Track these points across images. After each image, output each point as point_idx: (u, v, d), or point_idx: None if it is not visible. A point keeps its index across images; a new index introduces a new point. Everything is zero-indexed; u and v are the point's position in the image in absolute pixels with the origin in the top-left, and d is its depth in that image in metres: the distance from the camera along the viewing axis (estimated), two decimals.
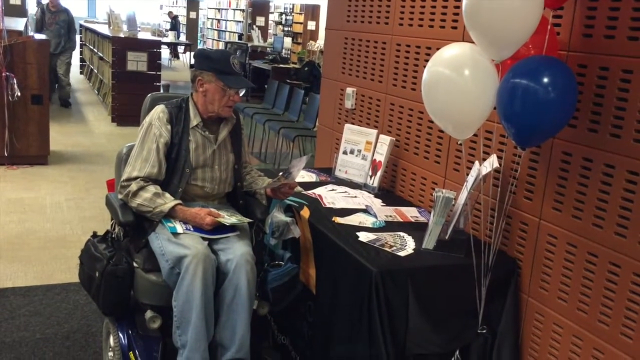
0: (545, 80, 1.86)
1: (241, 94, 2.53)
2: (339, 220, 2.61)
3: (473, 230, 2.48)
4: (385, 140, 3.10)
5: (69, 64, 9.31)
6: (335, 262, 2.42)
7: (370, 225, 2.59)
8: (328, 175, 3.38)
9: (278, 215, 2.48)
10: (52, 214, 4.82)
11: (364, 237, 2.43)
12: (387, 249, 2.33)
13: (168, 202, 2.40)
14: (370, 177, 3.15)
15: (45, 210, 4.87)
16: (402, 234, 2.51)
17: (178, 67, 18.01)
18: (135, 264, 2.43)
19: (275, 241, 2.61)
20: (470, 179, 2.34)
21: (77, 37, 9.27)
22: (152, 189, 2.42)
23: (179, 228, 2.39)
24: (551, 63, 1.92)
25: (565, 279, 2.18)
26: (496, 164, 2.24)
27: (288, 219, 2.47)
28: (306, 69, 10.42)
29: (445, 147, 2.78)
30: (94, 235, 2.61)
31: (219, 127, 2.58)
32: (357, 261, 2.23)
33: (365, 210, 2.79)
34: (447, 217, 2.35)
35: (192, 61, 3.24)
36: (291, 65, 11.71)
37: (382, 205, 2.90)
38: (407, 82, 3.06)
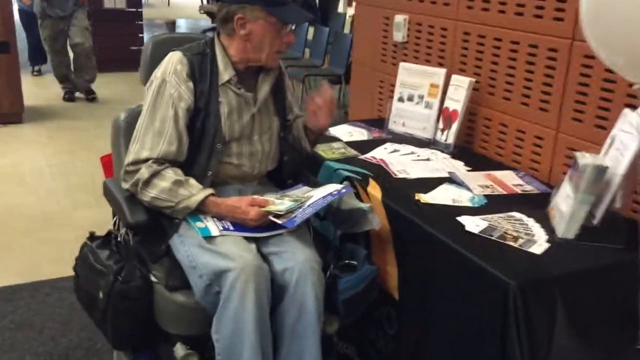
0: None
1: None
2: (424, 198, 1.92)
3: (633, 213, 1.80)
4: (462, 82, 2.37)
5: (87, 30, 5.94)
6: (432, 261, 1.75)
7: (469, 204, 1.90)
8: (380, 129, 2.66)
9: (349, 201, 1.78)
10: (34, 184, 4.07)
11: (470, 224, 1.74)
12: (511, 243, 1.65)
13: (195, 193, 1.69)
14: (442, 131, 2.44)
15: (25, 180, 4.13)
16: (518, 215, 1.83)
17: (155, 4, 16.82)
18: (153, 279, 1.74)
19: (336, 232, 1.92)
20: (627, 138, 1.64)
21: None
22: (171, 174, 1.70)
23: (213, 229, 1.68)
24: None
25: None
26: None
27: (364, 206, 1.77)
28: None
29: (558, 88, 2.06)
30: (92, 237, 1.90)
31: (256, 80, 1.85)
32: (479, 267, 1.55)
33: (450, 180, 2.09)
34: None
35: None
36: None
37: (468, 170, 2.21)
38: (491, 2, 2.30)
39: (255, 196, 1.76)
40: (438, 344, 1.75)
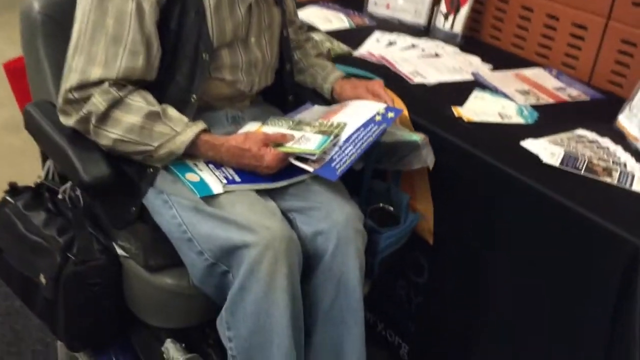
0: None
1: None
2: (464, 114, 1.48)
3: None
4: None
5: None
6: (489, 200, 1.35)
7: (521, 120, 1.49)
8: (359, 11, 2.13)
9: (393, 130, 1.29)
10: None
11: (544, 153, 1.33)
12: (605, 179, 1.27)
13: (180, 130, 1.13)
14: (445, 16, 1.95)
15: None
16: (588, 134, 1.44)
17: None
18: (120, 251, 1.21)
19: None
20: None
21: None
22: (141, 103, 1.13)
23: (214, 183, 1.15)
24: None
25: None
26: None
27: (417, 138, 1.29)
28: None
29: None
30: (13, 189, 1.30)
31: None
32: (581, 217, 1.16)
33: (480, 84, 1.66)
34: None
35: None
36: None
37: (491, 70, 1.77)
38: None
39: (266, 128, 1.23)
40: (496, 304, 1.40)
